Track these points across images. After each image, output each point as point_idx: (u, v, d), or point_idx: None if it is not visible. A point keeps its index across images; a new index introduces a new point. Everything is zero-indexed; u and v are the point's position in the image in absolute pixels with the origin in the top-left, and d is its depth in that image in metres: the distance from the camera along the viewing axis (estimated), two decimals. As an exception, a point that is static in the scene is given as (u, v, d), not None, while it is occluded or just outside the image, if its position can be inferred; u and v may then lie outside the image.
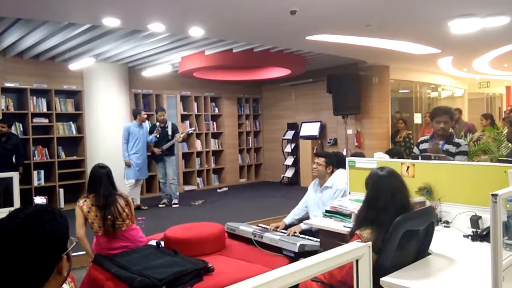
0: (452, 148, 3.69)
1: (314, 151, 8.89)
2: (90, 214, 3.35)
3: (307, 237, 3.51)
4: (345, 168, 3.72)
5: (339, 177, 4.10)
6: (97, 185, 3.40)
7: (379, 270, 1.98)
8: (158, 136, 7.13)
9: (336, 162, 4.35)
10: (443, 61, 8.22)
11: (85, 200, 3.39)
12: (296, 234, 3.56)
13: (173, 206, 7.18)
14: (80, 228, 3.35)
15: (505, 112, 10.23)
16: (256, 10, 4.49)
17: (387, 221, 2.08)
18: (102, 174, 3.44)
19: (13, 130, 6.84)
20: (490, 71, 9.66)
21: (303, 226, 3.62)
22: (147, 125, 7.96)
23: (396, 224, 2.02)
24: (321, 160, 3.93)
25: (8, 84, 6.91)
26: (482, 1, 4.30)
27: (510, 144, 4.97)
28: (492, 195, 1.53)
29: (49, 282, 1.13)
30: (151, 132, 7.25)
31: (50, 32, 5.49)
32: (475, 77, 10.95)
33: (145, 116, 7.11)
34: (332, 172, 3.96)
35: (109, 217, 3.32)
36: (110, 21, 4.67)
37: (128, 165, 6.83)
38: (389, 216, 2.09)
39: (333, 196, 3.75)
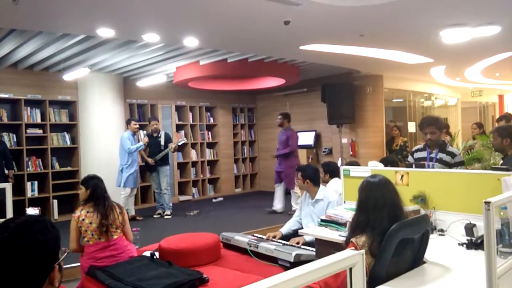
0: (446, 157, 3.70)
1: (309, 160, 8.91)
2: (85, 221, 3.35)
3: (303, 246, 3.49)
4: (339, 177, 3.72)
5: (332, 187, 4.11)
6: (99, 194, 3.45)
7: (375, 278, 1.98)
8: (146, 143, 7.10)
9: (330, 171, 4.43)
10: (436, 70, 8.29)
11: (82, 209, 3.42)
12: (296, 245, 3.53)
13: (165, 217, 7.12)
14: (74, 242, 3.38)
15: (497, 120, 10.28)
16: (250, 21, 4.53)
17: (379, 221, 2.08)
18: (100, 183, 3.50)
19: (6, 140, 6.82)
20: (483, 80, 9.75)
21: (307, 238, 3.60)
22: (141, 135, 7.96)
23: (391, 233, 2.02)
24: (298, 175, 4.01)
25: (2, 95, 6.88)
26: (473, 11, 4.36)
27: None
28: (485, 202, 1.53)
29: None
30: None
31: (44, 43, 5.48)
32: (468, 86, 11.04)
33: (135, 126, 7.05)
34: (309, 184, 3.93)
35: (103, 221, 3.32)
36: (105, 32, 4.68)
37: (145, 143, 7.04)
38: (381, 215, 2.10)
39: (327, 209, 3.73)
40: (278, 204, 7.15)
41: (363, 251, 1.14)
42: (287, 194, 7.30)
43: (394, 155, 7.43)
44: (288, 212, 6.71)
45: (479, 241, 2.53)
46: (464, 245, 2.58)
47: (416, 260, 2.20)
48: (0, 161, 6.21)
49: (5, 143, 6.56)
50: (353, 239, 2.14)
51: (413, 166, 3.38)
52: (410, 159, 4.00)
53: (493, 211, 1.53)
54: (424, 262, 2.24)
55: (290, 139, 7.01)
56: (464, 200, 2.89)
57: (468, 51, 6.21)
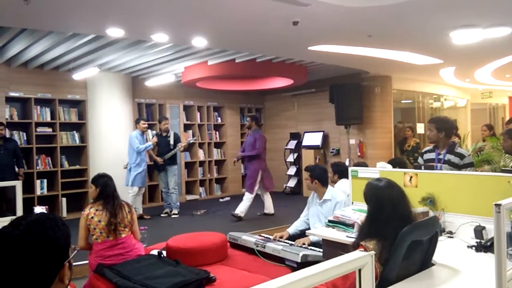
0: (454, 159, 3.66)
1: (317, 161, 8.88)
2: (94, 219, 3.37)
3: (310, 247, 3.48)
4: (347, 178, 3.71)
5: (340, 188, 4.09)
6: (108, 193, 3.46)
7: (385, 281, 1.97)
8: (155, 143, 7.14)
9: (339, 172, 4.41)
10: (446, 72, 8.23)
11: (91, 207, 3.43)
12: (303, 246, 3.53)
13: (173, 216, 7.14)
14: (82, 240, 3.40)
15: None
16: (258, 21, 4.53)
17: (390, 233, 2.06)
18: (110, 181, 3.52)
19: (16, 138, 6.90)
20: (493, 82, 9.66)
21: (312, 238, 3.59)
22: (149, 134, 8.00)
23: (403, 235, 2.00)
24: (307, 175, 3.99)
25: (12, 94, 6.96)
26: (484, 12, 4.32)
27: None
28: (496, 205, 1.52)
29: None
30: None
31: (54, 42, 5.53)
32: (478, 88, 10.95)
33: (144, 125, 7.09)
34: (317, 184, 3.92)
35: (112, 220, 3.34)
36: (114, 32, 4.71)
37: (154, 142, 7.06)
38: (392, 228, 2.07)
39: (334, 209, 3.72)
40: (269, 206, 7.09)
41: (372, 252, 1.13)
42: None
43: (403, 156, 7.40)
44: (230, 213, 6.69)
45: (488, 243, 2.50)
46: (473, 248, 2.56)
47: (424, 262, 2.18)
48: (11, 159, 6.28)
49: (16, 141, 6.64)
50: (363, 242, 2.12)
51: (422, 168, 3.35)
52: (420, 160, 3.98)
53: (504, 214, 1.52)
54: (433, 264, 2.23)
55: (258, 141, 6.84)
56: (473, 202, 2.86)
57: (479, 52, 6.16)
